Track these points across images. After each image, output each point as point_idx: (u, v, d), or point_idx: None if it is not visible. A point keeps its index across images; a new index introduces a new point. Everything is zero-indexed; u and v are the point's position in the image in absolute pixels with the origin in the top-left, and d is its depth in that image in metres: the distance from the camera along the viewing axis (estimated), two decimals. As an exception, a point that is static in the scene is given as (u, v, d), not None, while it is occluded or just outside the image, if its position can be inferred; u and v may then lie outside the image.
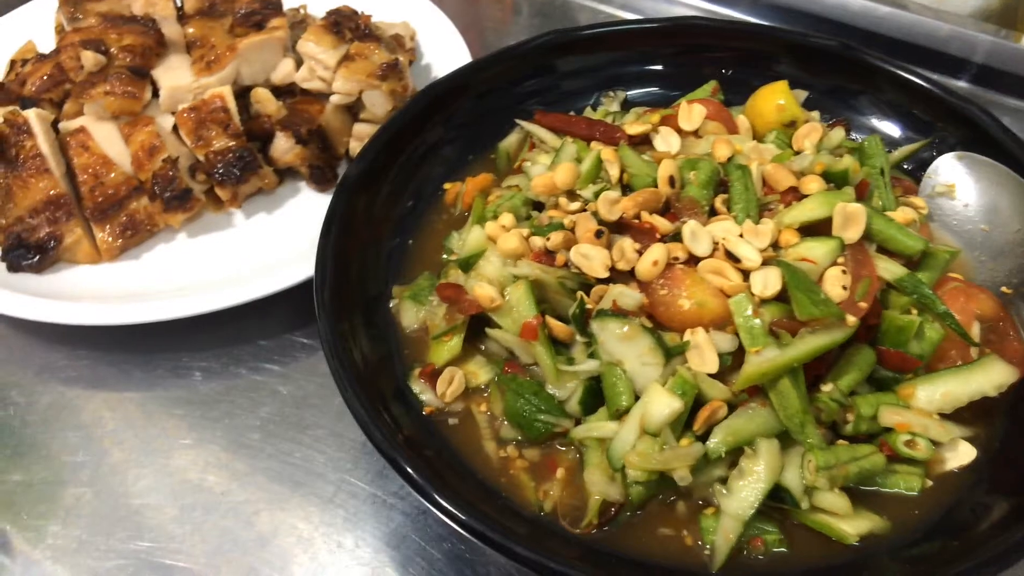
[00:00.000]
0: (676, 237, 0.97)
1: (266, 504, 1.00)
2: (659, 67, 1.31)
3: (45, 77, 1.30)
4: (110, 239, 1.19)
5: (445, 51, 1.49)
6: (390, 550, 0.96)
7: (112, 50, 1.28)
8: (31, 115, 1.22)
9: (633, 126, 1.13)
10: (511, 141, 1.26)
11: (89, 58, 1.25)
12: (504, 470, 0.93)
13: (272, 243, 1.25)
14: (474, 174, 1.22)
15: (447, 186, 1.21)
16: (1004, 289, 1.01)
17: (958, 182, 1.13)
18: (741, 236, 0.95)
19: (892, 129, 1.22)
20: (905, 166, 1.20)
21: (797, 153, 1.10)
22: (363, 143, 1.30)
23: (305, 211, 1.30)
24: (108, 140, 1.24)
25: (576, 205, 1.05)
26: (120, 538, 0.97)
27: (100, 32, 1.29)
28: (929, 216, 1.12)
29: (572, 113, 1.27)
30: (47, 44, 1.49)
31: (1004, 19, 1.57)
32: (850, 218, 0.95)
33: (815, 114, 1.20)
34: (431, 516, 0.98)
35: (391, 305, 1.07)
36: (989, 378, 0.91)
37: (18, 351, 1.16)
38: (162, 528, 0.98)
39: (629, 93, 1.32)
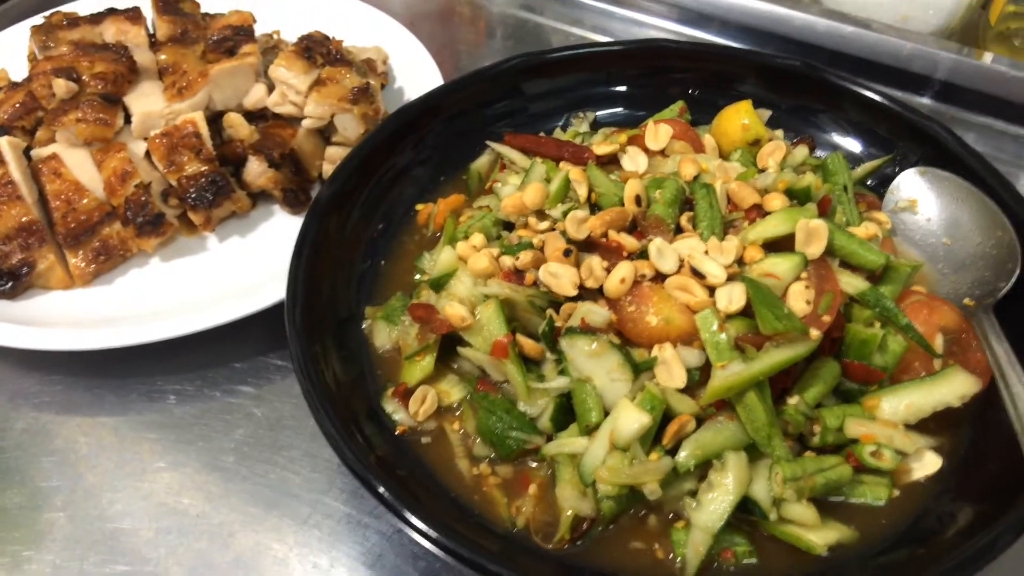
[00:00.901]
0: (643, 255, 0.98)
1: (241, 526, 1.00)
2: (627, 88, 1.34)
3: (17, 105, 1.30)
4: (83, 264, 1.20)
5: (417, 74, 1.51)
6: (366, 569, 0.96)
7: (84, 77, 1.29)
8: (3, 143, 1.22)
9: (601, 146, 1.16)
10: (482, 162, 1.27)
11: (61, 86, 1.26)
12: (477, 487, 0.93)
13: (246, 266, 1.25)
14: (446, 195, 1.23)
15: (419, 207, 1.22)
16: (967, 301, 1.03)
17: (920, 197, 1.15)
18: (706, 253, 0.97)
19: (855, 146, 1.25)
20: (868, 182, 1.22)
21: (761, 171, 1.13)
22: (335, 166, 1.33)
23: (279, 234, 1.31)
24: (80, 166, 1.24)
25: (545, 224, 1.06)
26: (94, 562, 0.97)
27: (72, 60, 1.30)
28: (892, 231, 1.14)
29: (542, 134, 1.30)
30: (19, 73, 1.50)
31: (965, 37, 1.61)
32: (812, 234, 0.97)
33: (779, 132, 1.23)
34: (406, 535, 0.98)
35: (364, 326, 1.08)
36: (952, 389, 0.93)
37: (-10, 377, 1.16)
38: (137, 551, 0.98)
39: (598, 114, 1.34)
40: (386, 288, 1.13)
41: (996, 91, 1.46)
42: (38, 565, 0.98)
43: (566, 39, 1.87)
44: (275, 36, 1.52)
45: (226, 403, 1.12)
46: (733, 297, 0.92)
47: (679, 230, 1.02)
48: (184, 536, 0.99)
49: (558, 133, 1.30)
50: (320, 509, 1.02)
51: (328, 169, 1.34)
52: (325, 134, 1.36)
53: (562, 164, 1.16)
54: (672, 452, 0.88)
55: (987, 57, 1.46)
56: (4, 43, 1.57)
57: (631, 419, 0.87)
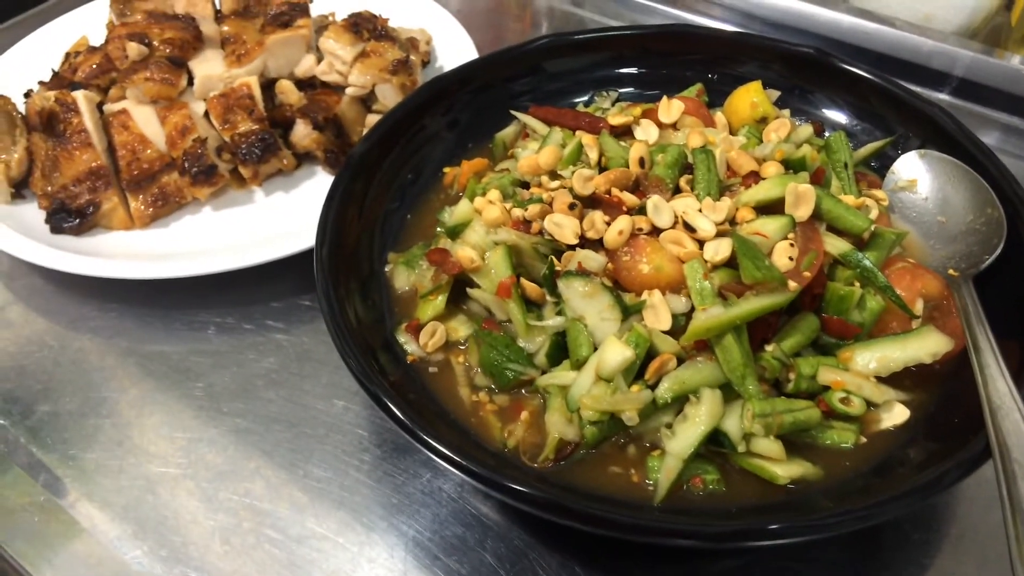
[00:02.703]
0: (642, 211, 1.07)
1: (265, 438, 1.11)
2: (648, 70, 1.42)
3: (94, 66, 1.45)
4: (143, 208, 1.33)
5: (458, 56, 1.61)
6: (372, 483, 1.06)
7: (154, 43, 1.43)
8: (79, 95, 1.36)
9: (616, 117, 1.24)
10: (508, 132, 1.37)
11: (133, 48, 1.40)
12: (475, 412, 1.02)
13: (287, 217, 1.37)
14: (471, 160, 1.33)
15: (446, 170, 1.32)
16: (951, 272, 1.09)
17: (919, 177, 1.21)
18: (700, 211, 1.04)
19: (860, 129, 1.31)
20: (872, 163, 1.28)
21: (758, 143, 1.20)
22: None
23: (319, 192, 1.42)
24: (146, 121, 1.38)
25: (556, 184, 1.15)
26: (132, 463, 1.09)
27: (145, 27, 1.44)
28: (891, 208, 1.20)
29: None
30: (100, 39, 1.65)
31: (989, 38, 1.65)
32: (801, 197, 1.04)
33: (786, 112, 1.29)
34: (409, 456, 1.08)
35: (386, 269, 1.18)
36: (924, 346, 0.99)
37: (55, 303, 1.29)
38: (170, 456, 1.09)
39: (621, 91, 1.42)
40: (409, 238, 1.23)
41: (1012, 89, 1.50)
42: (82, 462, 1.10)
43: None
44: (330, 17, 1.65)
45: (259, 336, 1.24)
46: (719, 249, 0.99)
47: (678, 191, 1.10)
48: (213, 444, 1.11)
49: (581, 108, 1.39)
50: (335, 429, 1.12)
51: (367, 135, 1.45)
52: (367, 102, 1.47)
53: (578, 132, 1.25)
54: (654, 388, 0.96)
55: (1004, 55, 1.50)
56: (88, 13, 1.73)
57: (616, 353, 0.95)
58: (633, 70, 1.43)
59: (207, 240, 1.33)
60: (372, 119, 1.44)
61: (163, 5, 1.52)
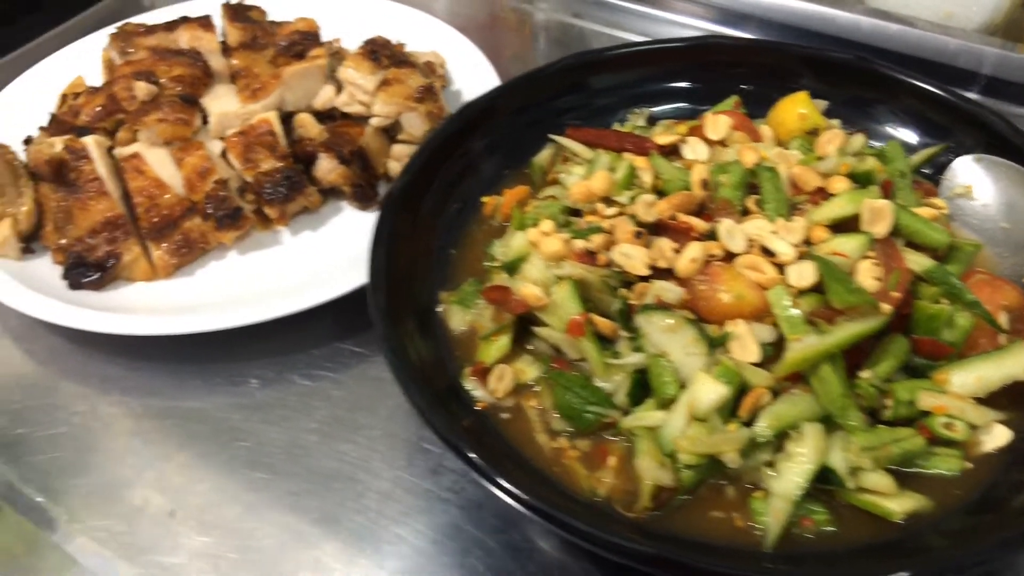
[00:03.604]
0: (710, 236, 1.02)
1: (324, 499, 1.04)
2: (682, 84, 1.38)
3: (99, 108, 1.36)
4: (167, 256, 1.25)
5: (474, 76, 1.56)
6: (447, 540, 0.99)
7: (162, 81, 1.35)
8: (89, 141, 1.28)
9: (662, 136, 1.20)
10: (544, 155, 1.31)
11: (142, 88, 1.32)
12: (557, 460, 0.96)
13: (317, 258, 1.30)
14: (509, 187, 1.28)
15: (485, 199, 1.26)
16: (1025, 280, 1.06)
17: (975, 183, 1.18)
18: (774, 233, 1.00)
19: (909, 136, 1.28)
20: (924, 170, 1.25)
21: (820, 158, 1.16)
22: (401, 162, 1.38)
23: (347, 228, 1.36)
24: (161, 164, 1.30)
25: (612, 210, 1.11)
26: (187, 535, 1.01)
27: (151, 64, 1.36)
28: (950, 216, 1.17)
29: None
30: (94, 79, 1.57)
31: (1009, 33, 1.64)
32: (878, 214, 1.00)
33: (836, 122, 1.26)
34: (487, 508, 1.02)
35: (439, 310, 1.12)
36: (1020, 362, 0.95)
37: (79, 364, 1.21)
38: (226, 524, 1.02)
39: (654, 110, 1.38)
40: (457, 274, 1.17)
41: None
42: (132, 539, 1.02)
43: (611, 43, 1.91)
44: (335, 44, 1.58)
45: (305, 387, 1.17)
46: (804, 273, 0.95)
47: (745, 212, 1.06)
48: (271, 508, 1.03)
49: (616, 127, 1.34)
50: (400, 484, 1.06)
51: (393, 166, 1.39)
52: (390, 132, 1.41)
53: (625, 154, 1.20)
54: (748, 424, 0.91)
55: (1032, 50, 1.49)
56: (79, 52, 1.64)
57: (709, 390, 0.90)
58: (666, 85, 1.38)
59: (238, 287, 1.26)
60: (398, 149, 1.38)
61: (166, 40, 1.44)
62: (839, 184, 1.06)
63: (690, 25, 1.87)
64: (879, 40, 1.61)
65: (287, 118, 1.39)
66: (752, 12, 1.75)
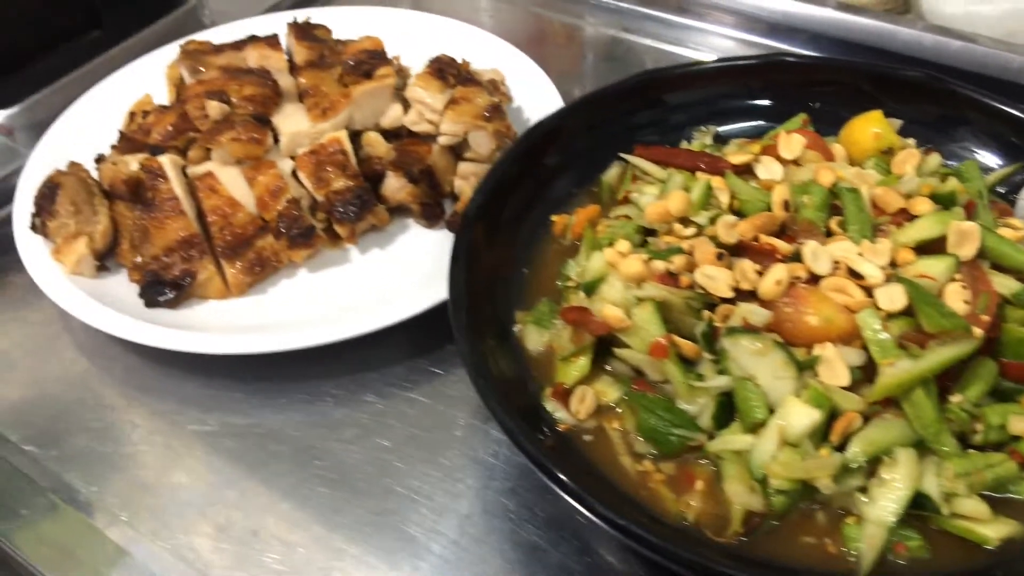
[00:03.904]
0: (795, 258, 1.02)
1: (405, 519, 1.04)
2: (749, 102, 1.37)
3: (170, 126, 1.38)
4: (240, 275, 1.26)
5: (534, 92, 1.56)
6: (533, 561, 1.00)
7: (233, 100, 1.36)
8: (165, 161, 1.30)
9: (736, 156, 1.19)
10: (612, 174, 1.32)
11: (215, 108, 1.34)
12: (643, 483, 0.96)
13: (386, 275, 1.32)
14: (576, 206, 1.28)
15: (555, 218, 1.27)
16: (1112, 303, 1.04)
17: (1054, 203, 1.17)
18: (860, 255, 1.00)
19: (983, 155, 1.27)
20: (998, 189, 1.24)
21: (899, 178, 1.15)
22: (467, 181, 1.39)
23: (413, 245, 1.37)
24: (233, 183, 1.31)
25: (690, 231, 1.10)
26: (273, 558, 1.02)
27: (222, 83, 1.38)
28: (1029, 236, 1.15)
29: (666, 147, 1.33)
30: (160, 97, 1.59)
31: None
32: (965, 236, 1.00)
33: (911, 141, 1.25)
34: (567, 529, 1.02)
35: (515, 329, 1.12)
36: (1112, 386, 0.94)
37: (156, 383, 1.22)
38: (310, 544, 1.03)
39: (720, 128, 1.38)
40: (531, 294, 1.17)
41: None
42: (217, 556, 1.03)
43: (659, 58, 1.91)
44: (395, 61, 1.59)
45: (380, 405, 1.17)
46: (894, 297, 0.95)
47: (828, 234, 1.05)
48: (353, 529, 1.04)
49: (684, 146, 1.34)
50: (478, 505, 1.06)
51: (459, 184, 1.40)
52: (456, 151, 1.42)
53: (699, 174, 1.20)
54: (839, 449, 0.91)
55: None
56: (143, 69, 1.66)
57: (801, 415, 0.90)
58: (733, 102, 1.38)
59: (310, 305, 1.27)
60: (464, 168, 1.39)
61: (235, 59, 1.46)
62: (922, 205, 1.06)
63: (743, 40, 1.86)
64: (941, 57, 1.60)
65: (355, 136, 1.40)
66: (812, 27, 1.74)
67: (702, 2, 1.93)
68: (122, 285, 1.29)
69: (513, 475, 1.09)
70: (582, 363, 1.05)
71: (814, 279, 1.00)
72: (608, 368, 1.07)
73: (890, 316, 0.95)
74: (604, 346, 1.06)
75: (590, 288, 1.09)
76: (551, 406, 1.03)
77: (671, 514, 0.93)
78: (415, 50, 1.64)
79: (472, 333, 1.02)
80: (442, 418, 1.16)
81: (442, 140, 1.37)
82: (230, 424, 1.17)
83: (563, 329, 1.09)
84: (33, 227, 1.32)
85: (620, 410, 1.03)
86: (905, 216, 1.07)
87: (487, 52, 1.65)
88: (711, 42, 1.91)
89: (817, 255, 1.00)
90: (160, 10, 1.93)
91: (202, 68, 1.42)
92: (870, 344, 0.93)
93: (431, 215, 1.36)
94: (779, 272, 0.99)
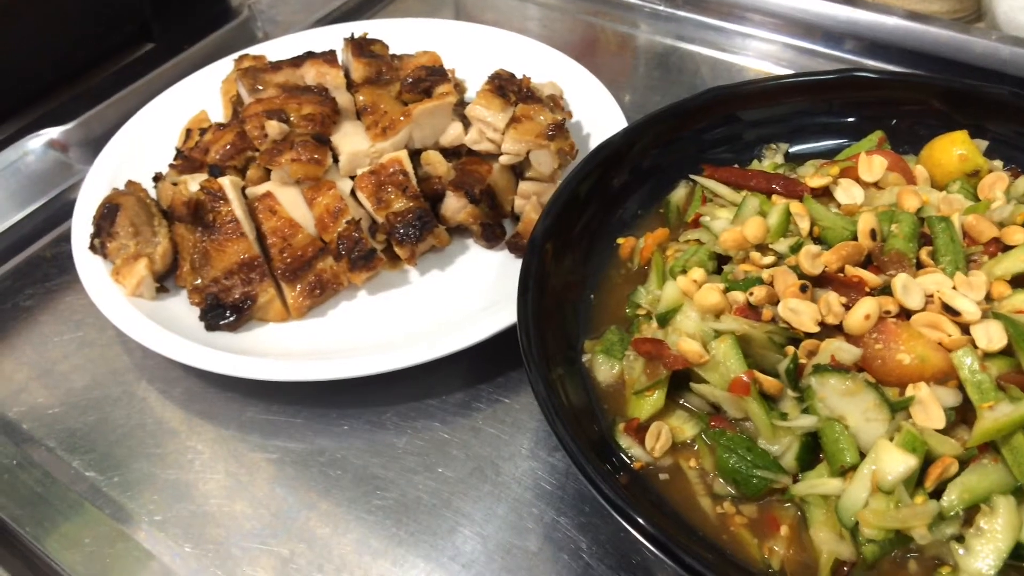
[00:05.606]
0: (881, 291, 0.97)
1: (475, 555, 1.01)
2: (824, 119, 1.32)
3: (228, 146, 1.37)
4: (300, 298, 1.24)
5: (594, 106, 1.53)
6: (607, 606, 0.96)
7: (292, 119, 1.35)
8: (226, 183, 1.28)
9: (814, 179, 1.14)
10: (679, 195, 1.28)
11: (274, 127, 1.32)
12: (724, 527, 0.92)
13: (448, 299, 1.29)
14: (644, 228, 1.24)
15: (620, 241, 1.23)
16: None
17: None
18: (955, 289, 0.95)
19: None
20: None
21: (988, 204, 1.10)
22: (528, 201, 1.36)
23: (474, 267, 1.34)
24: (293, 204, 1.30)
25: (768, 259, 1.06)
26: (337, 590, 1.00)
27: (281, 102, 1.36)
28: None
29: (735, 166, 1.29)
30: (214, 112, 1.58)
31: None
32: (1065, 268, 0.94)
33: (998, 163, 1.19)
34: (640, 570, 0.98)
35: (584, 359, 1.09)
36: None
37: (218, 408, 1.21)
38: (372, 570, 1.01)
39: (792, 148, 1.33)
40: (599, 321, 1.14)
41: None
42: (282, 590, 1.01)
43: (713, 68, 1.87)
44: (452, 76, 1.56)
45: (444, 434, 1.15)
46: (992, 335, 0.90)
47: (918, 265, 1.00)
48: (418, 568, 1.01)
49: (755, 165, 1.30)
50: (549, 542, 1.03)
51: (520, 203, 1.37)
52: (517, 169, 1.38)
53: (775, 197, 1.15)
54: (933, 495, 0.86)
55: None
56: (197, 85, 1.65)
57: (896, 461, 0.85)
58: (805, 119, 1.33)
59: (372, 329, 1.24)
60: (525, 187, 1.36)
61: (293, 77, 1.44)
62: (1018, 235, 1.00)
63: (802, 47, 1.81)
64: (1020, 70, 1.54)
65: (414, 155, 1.37)
66: (883, 39, 1.68)
67: (760, 9, 1.88)
68: (181, 307, 1.28)
69: (584, 510, 1.05)
70: (656, 397, 1.01)
71: (904, 314, 0.95)
72: (683, 403, 1.03)
73: (987, 355, 0.90)
74: (679, 380, 1.02)
75: (664, 319, 1.05)
76: (625, 442, 1.00)
77: (755, 560, 0.89)
78: (469, 62, 1.62)
79: (542, 363, 0.99)
80: (506, 448, 1.13)
81: (504, 159, 1.34)
82: (291, 451, 1.15)
83: (635, 360, 1.05)
84: (92, 248, 1.32)
85: (697, 448, 0.99)
86: (998, 246, 1.01)
87: (542, 64, 1.62)
88: (767, 51, 1.86)
89: (908, 289, 0.95)
90: (213, 23, 1.93)
91: (260, 86, 1.41)
92: (967, 385, 0.88)
93: (491, 236, 1.33)
94: (868, 306, 0.94)
